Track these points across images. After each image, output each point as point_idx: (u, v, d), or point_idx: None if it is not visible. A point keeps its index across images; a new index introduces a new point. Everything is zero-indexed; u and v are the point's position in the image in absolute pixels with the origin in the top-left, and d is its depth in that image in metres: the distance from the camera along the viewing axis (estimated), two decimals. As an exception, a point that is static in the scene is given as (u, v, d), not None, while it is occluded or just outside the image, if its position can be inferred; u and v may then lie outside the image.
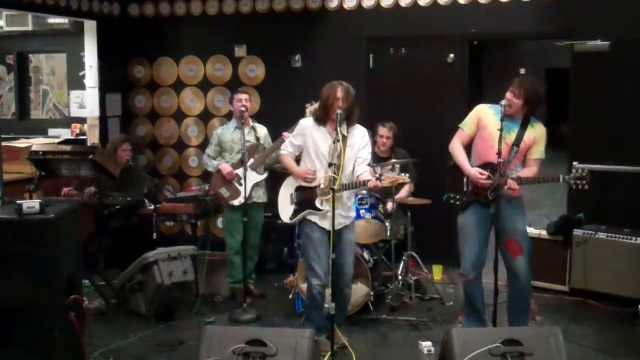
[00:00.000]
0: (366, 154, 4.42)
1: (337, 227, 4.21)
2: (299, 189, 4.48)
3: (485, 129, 4.38)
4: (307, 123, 4.45)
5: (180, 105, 7.18)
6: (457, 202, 4.46)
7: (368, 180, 4.17)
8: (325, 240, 4.30)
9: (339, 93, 4.25)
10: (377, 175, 4.26)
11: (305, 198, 4.42)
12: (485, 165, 4.32)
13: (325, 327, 4.27)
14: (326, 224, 4.30)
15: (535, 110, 4.37)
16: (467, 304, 4.57)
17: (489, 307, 4.37)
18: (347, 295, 4.52)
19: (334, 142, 4.10)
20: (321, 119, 4.36)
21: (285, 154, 4.56)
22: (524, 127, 4.31)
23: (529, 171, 4.32)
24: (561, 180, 4.11)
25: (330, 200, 4.12)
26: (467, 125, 4.50)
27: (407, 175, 4.18)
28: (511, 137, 4.29)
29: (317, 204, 4.37)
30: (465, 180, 4.43)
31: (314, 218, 4.40)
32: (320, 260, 4.34)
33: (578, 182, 4.06)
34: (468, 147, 4.55)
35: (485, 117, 4.42)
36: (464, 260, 4.47)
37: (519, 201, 4.41)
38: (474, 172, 4.33)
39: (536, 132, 4.34)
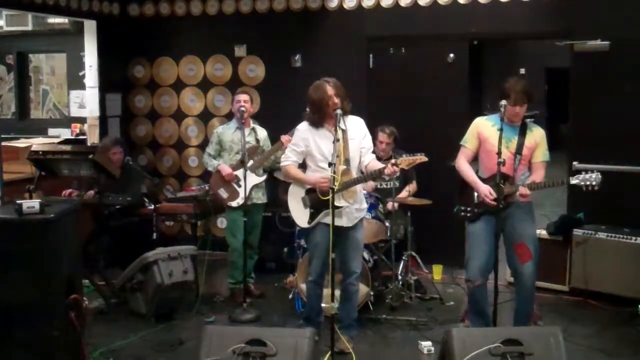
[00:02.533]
0: (369, 142, 4.45)
1: (353, 222, 4.31)
2: (309, 191, 4.41)
3: (487, 141, 4.39)
4: (304, 127, 4.41)
5: (180, 105, 7.18)
6: (468, 215, 4.44)
7: (384, 167, 4.07)
8: (327, 242, 4.17)
9: (330, 90, 4.25)
10: (393, 162, 4.09)
11: (320, 199, 4.30)
12: (494, 177, 4.27)
13: (317, 322, 4.52)
14: (342, 222, 4.29)
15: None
16: (472, 309, 4.54)
17: (491, 307, 4.36)
18: (350, 292, 4.48)
19: (333, 143, 4.08)
20: (318, 121, 4.33)
21: (289, 164, 4.44)
22: (522, 133, 4.31)
23: (538, 176, 4.32)
24: (571, 182, 4.11)
25: (343, 195, 4.18)
26: (469, 141, 4.49)
27: (422, 154, 4.07)
28: (513, 145, 4.28)
29: (335, 201, 4.17)
30: (475, 193, 4.41)
31: (327, 219, 4.26)
32: (314, 260, 4.44)
33: (588, 183, 4.05)
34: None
35: (484, 130, 4.43)
36: (471, 265, 4.44)
37: (529, 206, 4.40)
38: (484, 190, 4.29)
39: (536, 136, 4.35)
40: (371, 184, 5.51)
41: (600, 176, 4.07)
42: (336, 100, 4.23)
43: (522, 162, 4.32)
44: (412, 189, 5.79)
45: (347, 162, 4.23)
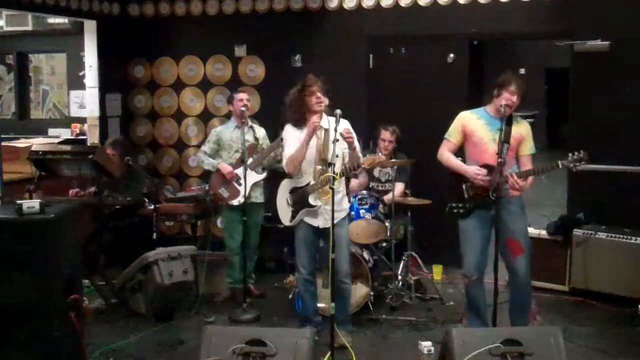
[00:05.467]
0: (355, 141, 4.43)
1: (332, 222, 4.26)
2: (292, 190, 4.57)
3: (473, 134, 4.39)
4: (291, 129, 4.52)
5: (180, 105, 7.18)
6: (461, 211, 4.43)
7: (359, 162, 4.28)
8: (310, 237, 4.53)
9: (313, 87, 4.32)
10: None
11: (299, 198, 4.51)
12: (483, 167, 4.31)
13: (315, 321, 4.60)
14: (318, 222, 4.47)
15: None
16: (469, 307, 4.55)
17: (490, 308, 4.36)
18: (344, 290, 4.53)
19: (332, 142, 4.08)
20: (300, 119, 4.41)
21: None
22: (509, 124, 4.29)
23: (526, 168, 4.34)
24: (560, 166, 4.10)
25: (325, 197, 4.25)
26: (453, 135, 4.49)
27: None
28: (499, 135, 4.26)
29: (311, 200, 4.46)
30: (464, 187, 4.40)
31: (308, 219, 4.50)
32: (300, 255, 4.59)
33: (577, 164, 4.05)
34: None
35: (469, 123, 4.43)
36: (466, 262, 4.46)
37: (519, 201, 4.41)
38: (472, 170, 4.33)
39: (522, 128, 4.35)
40: (355, 183, 5.47)
41: (586, 156, 4.05)
42: (319, 98, 4.34)
43: (509, 154, 4.30)
44: (399, 190, 5.71)
45: (323, 163, 4.36)
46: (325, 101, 4.45)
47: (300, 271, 4.63)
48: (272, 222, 6.11)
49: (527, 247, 4.33)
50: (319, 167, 4.38)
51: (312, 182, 4.45)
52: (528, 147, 4.37)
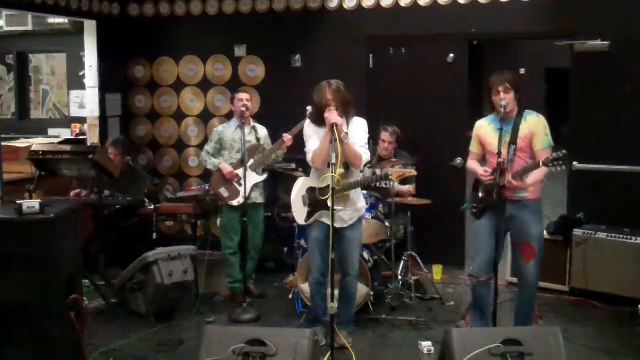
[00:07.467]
0: (360, 139, 4.35)
1: (348, 223, 4.36)
2: (310, 190, 4.47)
3: (485, 141, 4.42)
4: (308, 123, 4.47)
5: (180, 105, 7.18)
6: (474, 211, 4.48)
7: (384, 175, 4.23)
8: (324, 238, 4.32)
9: (329, 95, 4.23)
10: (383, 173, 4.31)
11: (317, 199, 4.38)
12: (492, 171, 4.30)
13: (324, 322, 4.47)
14: (336, 223, 4.26)
15: (520, 93, 4.32)
16: (474, 307, 4.54)
17: (490, 308, 4.36)
18: (348, 292, 4.52)
19: (330, 142, 4.07)
20: (318, 121, 4.34)
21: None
22: (517, 124, 4.30)
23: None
24: (541, 165, 4.04)
25: (336, 199, 4.14)
26: (473, 146, 4.55)
27: (414, 167, 4.31)
28: (508, 137, 4.27)
29: (329, 203, 4.26)
30: (480, 188, 4.44)
31: (325, 219, 4.38)
32: (313, 258, 4.50)
33: (555, 162, 3.96)
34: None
35: (483, 131, 4.45)
36: (475, 262, 4.46)
37: (536, 205, 4.37)
38: (480, 170, 4.39)
39: (530, 125, 4.30)
40: None
41: (565, 156, 3.96)
42: (332, 105, 4.20)
43: (518, 154, 4.28)
44: (412, 190, 5.77)
45: (345, 166, 4.28)
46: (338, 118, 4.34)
47: (312, 272, 4.54)
48: (271, 222, 6.13)
49: (539, 252, 4.32)
50: (340, 170, 4.20)
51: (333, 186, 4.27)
52: (540, 142, 4.27)
